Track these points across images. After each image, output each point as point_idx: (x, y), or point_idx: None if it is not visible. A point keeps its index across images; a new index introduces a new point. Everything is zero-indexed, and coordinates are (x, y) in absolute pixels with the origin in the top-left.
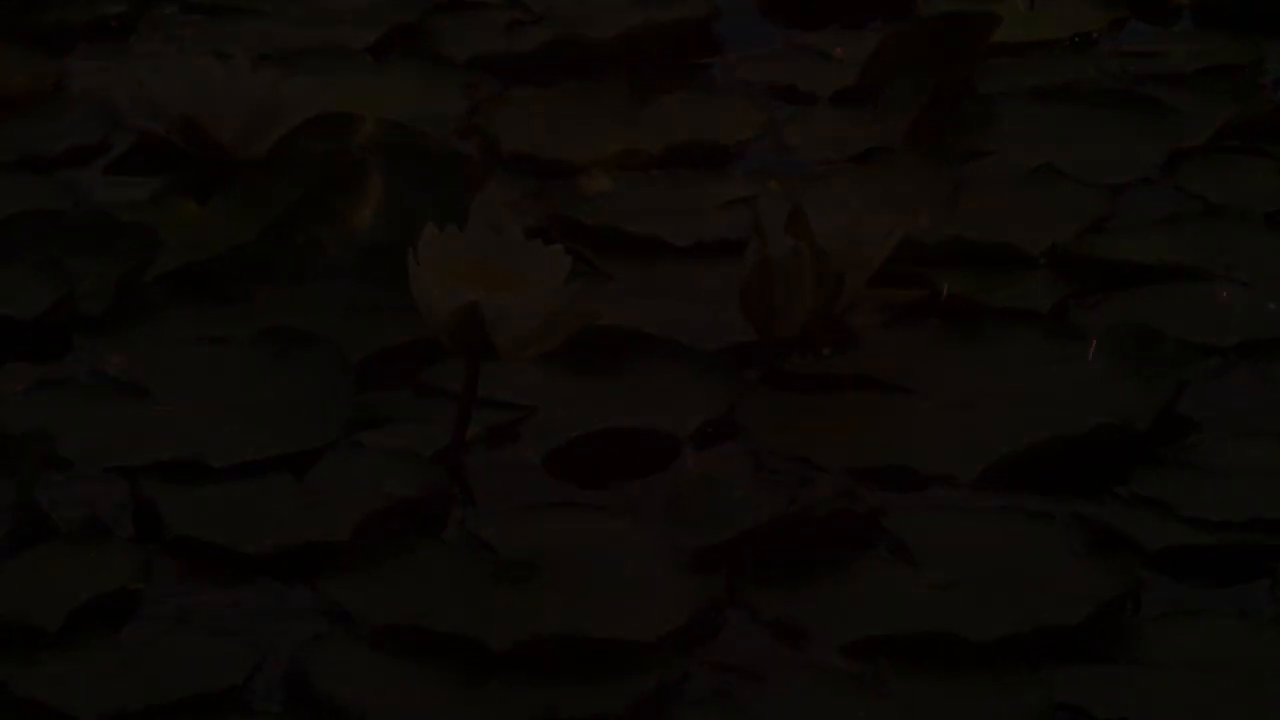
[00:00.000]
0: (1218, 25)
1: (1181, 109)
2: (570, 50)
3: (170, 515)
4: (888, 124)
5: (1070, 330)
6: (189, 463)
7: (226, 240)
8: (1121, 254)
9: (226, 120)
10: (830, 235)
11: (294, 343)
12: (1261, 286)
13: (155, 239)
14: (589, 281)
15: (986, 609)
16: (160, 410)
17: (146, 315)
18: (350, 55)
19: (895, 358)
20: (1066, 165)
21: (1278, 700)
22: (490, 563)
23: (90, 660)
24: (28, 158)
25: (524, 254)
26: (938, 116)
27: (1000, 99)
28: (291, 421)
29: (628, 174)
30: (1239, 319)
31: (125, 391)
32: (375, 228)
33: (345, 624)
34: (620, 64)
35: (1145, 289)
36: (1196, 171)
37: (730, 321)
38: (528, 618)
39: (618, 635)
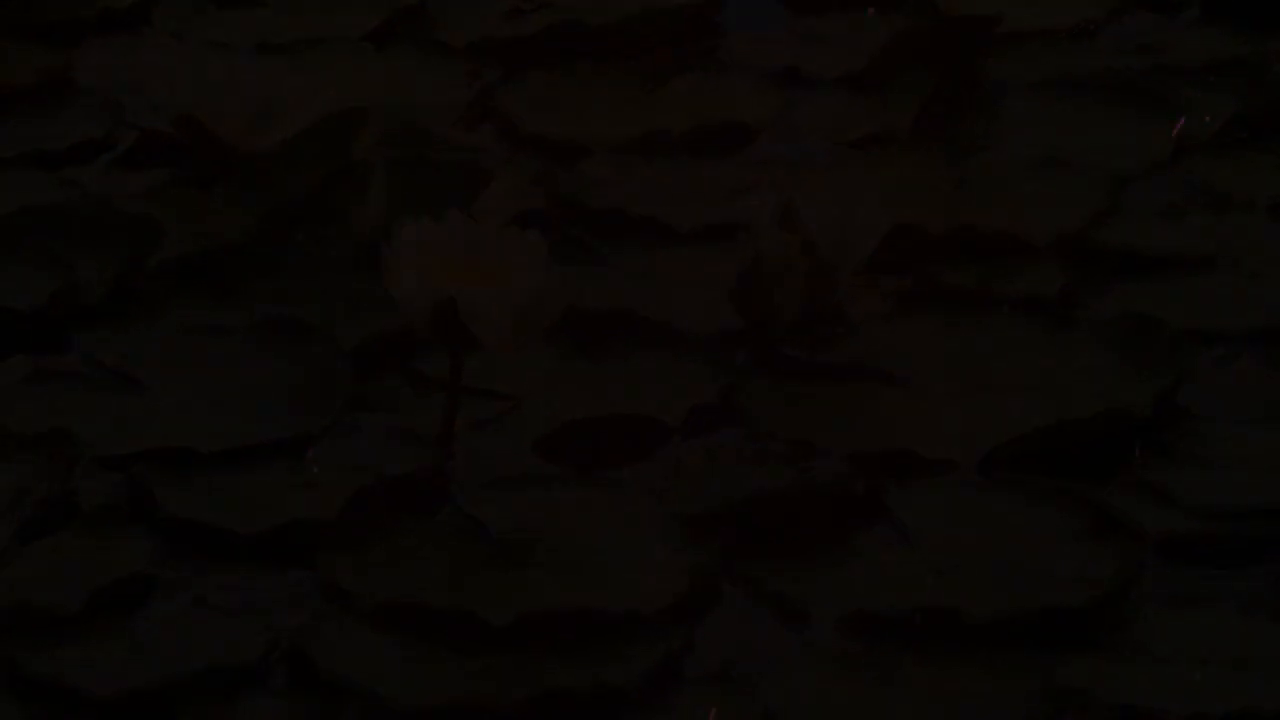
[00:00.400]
0: (1225, 17)
1: (1189, 102)
2: (573, 35)
3: (170, 500)
4: (895, 113)
5: (1074, 319)
6: (187, 449)
7: (227, 234)
8: (1127, 244)
9: (229, 118)
10: (822, 227)
11: (291, 332)
12: (1268, 276)
13: (156, 231)
14: (591, 267)
15: (986, 591)
16: (157, 399)
17: (145, 307)
18: (350, 43)
19: (896, 346)
20: (1073, 156)
21: (1277, 690)
22: (486, 539)
23: (103, 642)
24: (33, 154)
25: (500, 243)
26: (944, 106)
27: (1006, 90)
28: (288, 407)
29: (633, 158)
30: (1245, 308)
31: (123, 381)
32: (376, 223)
33: (345, 603)
34: (624, 49)
35: (1150, 278)
36: (1203, 164)
37: (730, 308)
38: (527, 592)
39: (618, 607)
